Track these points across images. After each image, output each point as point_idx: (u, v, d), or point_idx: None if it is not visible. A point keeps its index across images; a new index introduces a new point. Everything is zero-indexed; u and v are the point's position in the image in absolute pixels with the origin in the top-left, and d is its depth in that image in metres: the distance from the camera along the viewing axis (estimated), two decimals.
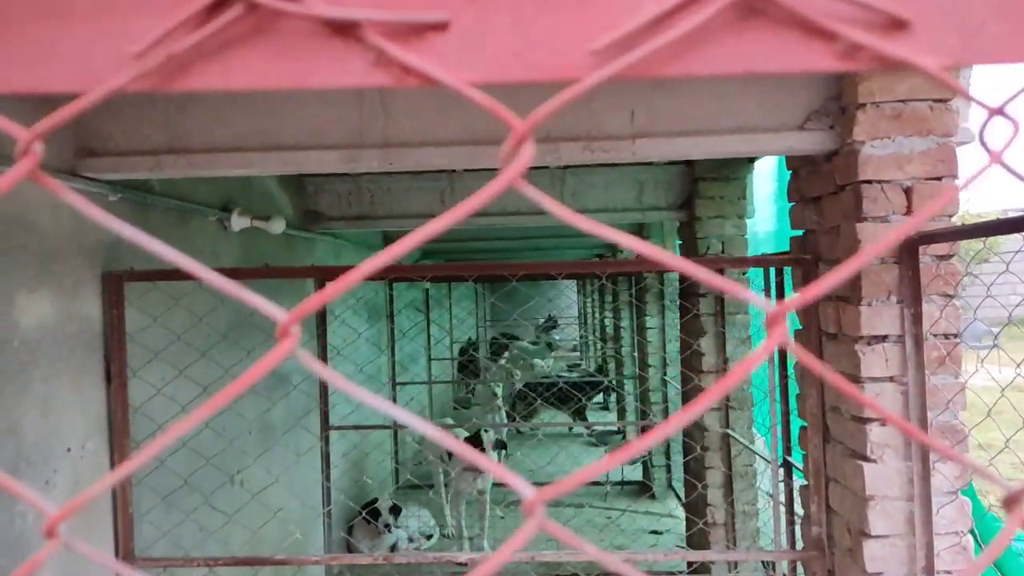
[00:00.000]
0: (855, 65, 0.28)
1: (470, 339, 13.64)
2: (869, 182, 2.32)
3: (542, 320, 17.16)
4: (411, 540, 5.87)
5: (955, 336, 2.33)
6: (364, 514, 5.32)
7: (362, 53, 0.26)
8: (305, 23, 0.26)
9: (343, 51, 0.26)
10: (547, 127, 2.47)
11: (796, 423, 3.27)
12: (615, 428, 9.46)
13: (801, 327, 2.77)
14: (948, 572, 2.32)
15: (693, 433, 4.71)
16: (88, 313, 2.54)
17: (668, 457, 7.24)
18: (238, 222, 3.66)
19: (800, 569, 3.26)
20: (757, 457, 4.69)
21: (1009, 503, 0.40)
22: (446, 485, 6.53)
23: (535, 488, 0.36)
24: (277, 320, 0.40)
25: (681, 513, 6.28)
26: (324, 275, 4.76)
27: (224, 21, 0.26)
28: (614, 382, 10.02)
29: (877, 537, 2.31)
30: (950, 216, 2.33)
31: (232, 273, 3.19)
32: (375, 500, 5.67)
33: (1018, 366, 2.50)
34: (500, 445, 5.99)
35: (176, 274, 2.85)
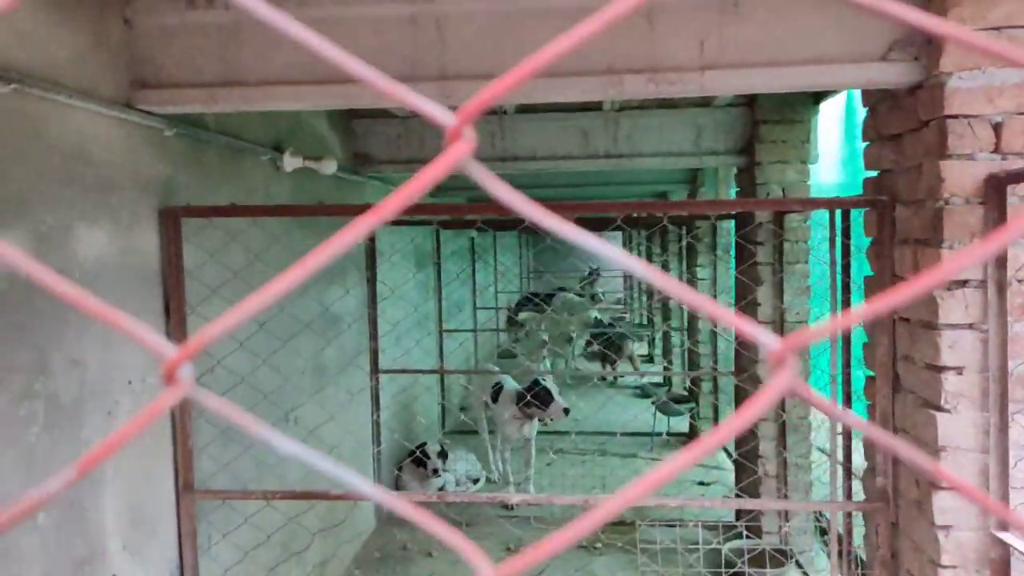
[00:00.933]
0: None
1: (524, 293, 13.67)
2: (955, 117, 2.18)
3: (586, 272, 17.05)
4: (458, 484, 5.94)
5: None
6: (413, 457, 5.39)
7: None
8: None
9: None
10: (608, 59, 2.36)
11: (856, 375, 3.16)
12: (660, 380, 9.41)
13: (873, 273, 2.65)
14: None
15: (746, 385, 4.61)
16: (146, 248, 2.55)
17: (716, 410, 7.16)
18: (290, 162, 3.63)
19: (853, 525, 3.19)
20: (812, 410, 4.58)
21: None
22: (491, 432, 6.57)
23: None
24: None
25: (728, 465, 6.23)
26: (362, 213, 4.76)
27: None
28: (660, 333, 9.92)
29: (949, 489, 2.22)
30: None
31: (286, 210, 3.18)
32: (424, 444, 5.73)
33: None
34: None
35: (232, 209, 2.85)
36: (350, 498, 2.83)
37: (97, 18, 2.34)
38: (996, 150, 2.18)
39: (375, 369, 4.85)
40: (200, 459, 2.76)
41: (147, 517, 2.51)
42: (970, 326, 2.20)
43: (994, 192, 2.15)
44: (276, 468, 3.29)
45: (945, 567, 2.27)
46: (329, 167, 3.88)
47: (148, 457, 2.55)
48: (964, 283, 2.20)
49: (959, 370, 2.20)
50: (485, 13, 2.40)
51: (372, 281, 4.81)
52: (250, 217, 3.08)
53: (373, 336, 4.73)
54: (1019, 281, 2.20)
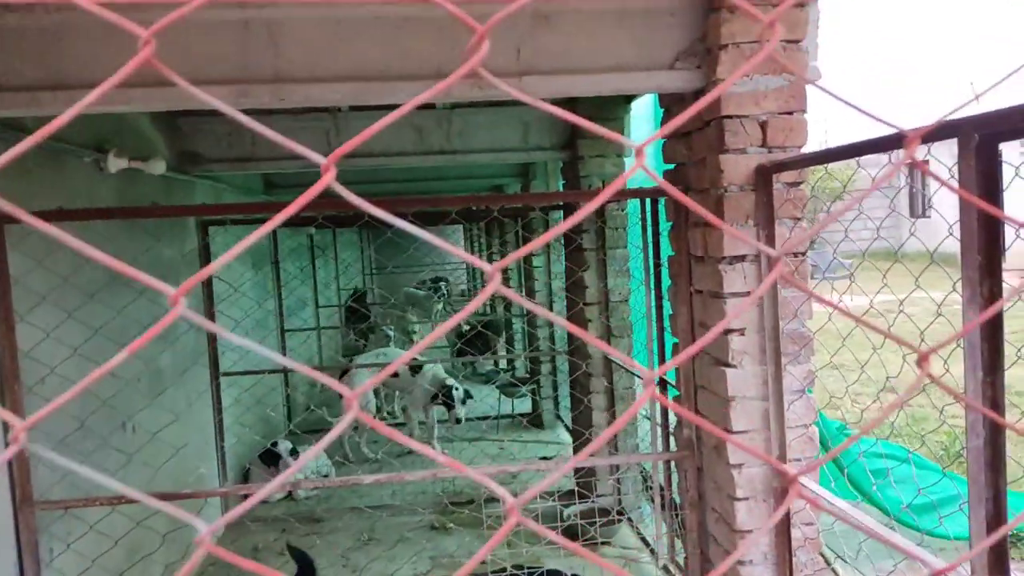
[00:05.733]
0: None
1: (356, 288, 13.59)
2: (731, 117, 2.57)
3: (428, 280, 17.24)
4: (307, 479, 5.96)
5: (803, 254, 2.64)
6: (261, 455, 5.36)
7: None
8: None
9: None
10: (437, 63, 2.56)
11: (669, 344, 3.58)
12: (504, 365, 9.79)
13: (674, 252, 3.04)
14: (798, 459, 2.68)
15: (578, 359, 5.01)
16: None
17: (555, 388, 7.61)
18: (115, 163, 3.54)
19: (671, 476, 3.61)
20: (636, 380, 5.05)
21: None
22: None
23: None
24: (167, 293, 0.50)
25: (568, 439, 6.67)
26: (206, 213, 4.69)
27: None
28: (502, 321, 10.30)
29: (738, 433, 2.63)
30: (799, 147, 2.62)
31: (114, 212, 3.13)
32: (273, 444, 5.70)
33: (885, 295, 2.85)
34: (468, 396, 6.64)
35: (57, 214, 2.78)
36: (198, 496, 2.87)
37: None
38: (763, 144, 2.60)
39: (215, 371, 4.79)
40: (37, 469, 2.69)
41: None
42: (748, 293, 2.61)
43: (762, 180, 2.57)
44: (117, 474, 3.23)
45: (739, 499, 2.68)
46: (157, 167, 3.82)
47: None
48: (743, 258, 2.61)
49: (741, 331, 2.61)
50: (316, 19, 2.52)
51: (208, 285, 4.75)
52: (75, 221, 3.01)
53: (212, 338, 4.67)
54: (785, 255, 2.64)
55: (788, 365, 2.64)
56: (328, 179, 0.48)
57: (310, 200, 0.52)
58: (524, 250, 0.63)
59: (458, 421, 6.58)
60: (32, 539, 2.62)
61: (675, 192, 0.65)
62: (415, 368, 6.75)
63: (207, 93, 2.18)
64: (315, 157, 0.51)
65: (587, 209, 0.68)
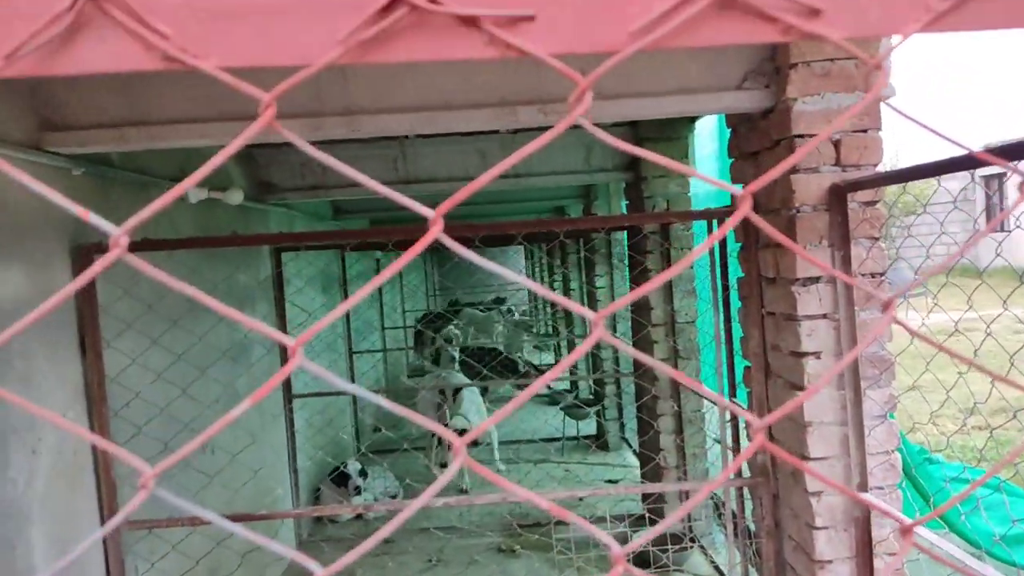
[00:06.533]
0: (791, 38, 0.43)
1: (428, 310, 13.82)
2: (802, 136, 2.52)
3: (490, 299, 17.39)
4: (376, 501, 6.03)
5: (881, 275, 2.56)
6: (332, 476, 5.45)
7: (479, 36, 0.40)
8: (444, 18, 0.40)
9: (467, 35, 0.40)
10: (502, 92, 2.60)
11: (740, 367, 3.51)
12: (568, 386, 9.74)
13: (744, 274, 2.98)
14: (880, 487, 2.58)
15: (645, 383, 4.95)
16: (60, 286, 2.59)
17: (620, 410, 7.53)
18: (195, 194, 3.69)
19: (747, 500, 3.52)
20: (705, 403, 4.96)
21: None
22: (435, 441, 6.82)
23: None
24: (287, 344, 0.52)
25: (635, 462, 6.58)
26: (282, 241, 4.83)
27: (396, 17, 0.40)
28: (565, 342, 10.26)
29: (816, 459, 2.56)
30: (874, 165, 2.55)
31: (196, 242, 3.25)
32: (343, 465, 5.80)
33: (965, 312, 2.75)
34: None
35: (143, 245, 2.91)
36: (278, 516, 2.93)
37: None
38: (837, 163, 2.54)
39: (288, 394, 4.92)
40: (123, 490, 2.79)
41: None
42: (824, 316, 2.54)
43: (836, 200, 2.51)
44: (199, 495, 3.33)
45: (819, 528, 2.60)
46: (235, 197, 3.96)
47: (73, 492, 2.58)
48: (817, 279, 2.54)
49: (817, 355, 2.54)
50: None
51: (280, 305, 4.89)
52: (160, 251, 3.14)
53: (285, 361, 4.79)
54: (862, 275, 2.56)
55: (868, 389, 2.55)
56: (436, 231, 0.49)
57: (419, 247, 0.53)
58: (628, 298, 0.63)
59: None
60: (119, 558, 2.72)
61: (770, 230, 0.64)
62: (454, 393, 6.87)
63: (284, 127, 2.26)
64: (424, 211, 0.52)
65: (706, 244, 0.67)
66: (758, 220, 0.56)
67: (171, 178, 3.57)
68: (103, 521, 2.68)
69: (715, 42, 0.44)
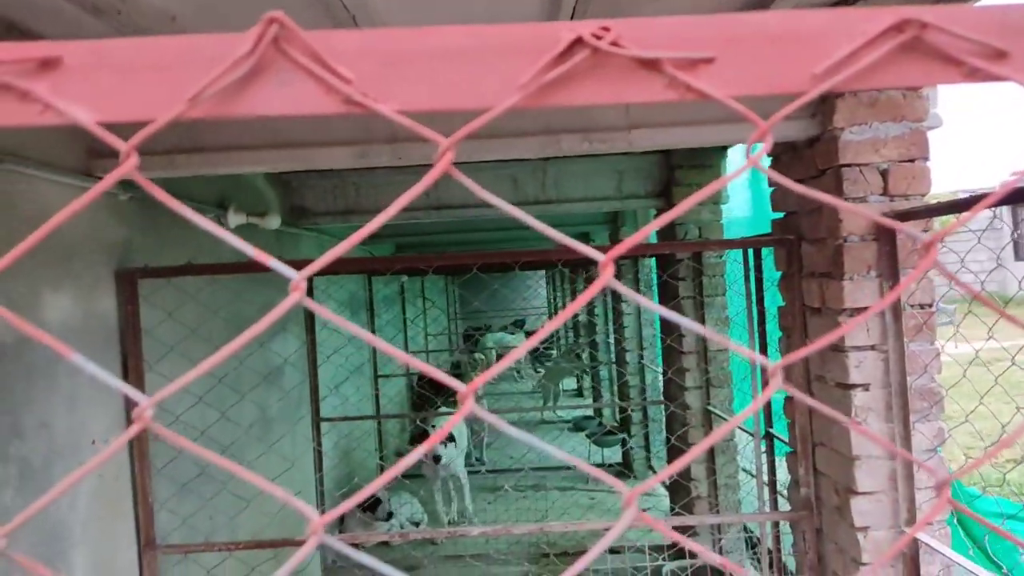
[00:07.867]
0: (975, 80, 0.42)
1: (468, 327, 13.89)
2: (849, 165, 2.50)
3: (511, 323, 17.39)
4: (402, 527, 5.99)
5: (930, 306, 2.52)
6: (360, 505, 5.42)
7: (660, 79, 0.40)
8: (624, 60, 0.39)
9: (647, 78, 0.39)
10: (548, 121, 2.60)
11: (776, 396, 3.46)
12: (591, 413, 9.67)
13: (784, 303, 2.95)
14: (929, 523, 2.51)
15: (676, 411, 4.89)
16: (105, 310, 2.61)
17: (647, 438, 7.45)
18: (234, 219, 3.73)
19: (781, 536, 3.45)
20: (737, 432, 4.89)
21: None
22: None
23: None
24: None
25: (663, 491, 6.49)
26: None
27: (575, 60, 0.39)
28: (588, 369, 10.19)
29: (864, 494, 2.50)
30: (922, 195, 2.52)
31: (238, 267, 3.28)
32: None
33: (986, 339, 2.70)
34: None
35: (186, 269, 2.93)
36: (296, 544, 2.91)
37: None
38: (885, 192, 2.52)
39: (316, 417, 4.90)
40: (159, 515, 2.79)
41: (113, 575, 2.54)
42: (872, 347, 2.50)
43: (885, 230, 2.48)
44: (232, 521, 3.33)
45: (865, 564, 2.53)
46: (272, 222, 3.99)
47: (111, 516, 2.58)
48: (864, 310, 2.51)
49: (866, 387, 2.49)
50: None
51: (311, 332, 4.89)
52: (203, 275, 3.16)
53: (314, 386, 4.79)
54: (911, 306, 2.52)
55: (917, 423, 2.50)
56: (608, 275, 0.48)
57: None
58: (808, 349, 0.61)
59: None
60: None
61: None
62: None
63: (333, 154, 2.26)
64: (594, 254, 0.51)
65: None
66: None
67: (212, 204, 3.61)
68: (139, 546, 2.68)
69: (898, 84, 0.44)
